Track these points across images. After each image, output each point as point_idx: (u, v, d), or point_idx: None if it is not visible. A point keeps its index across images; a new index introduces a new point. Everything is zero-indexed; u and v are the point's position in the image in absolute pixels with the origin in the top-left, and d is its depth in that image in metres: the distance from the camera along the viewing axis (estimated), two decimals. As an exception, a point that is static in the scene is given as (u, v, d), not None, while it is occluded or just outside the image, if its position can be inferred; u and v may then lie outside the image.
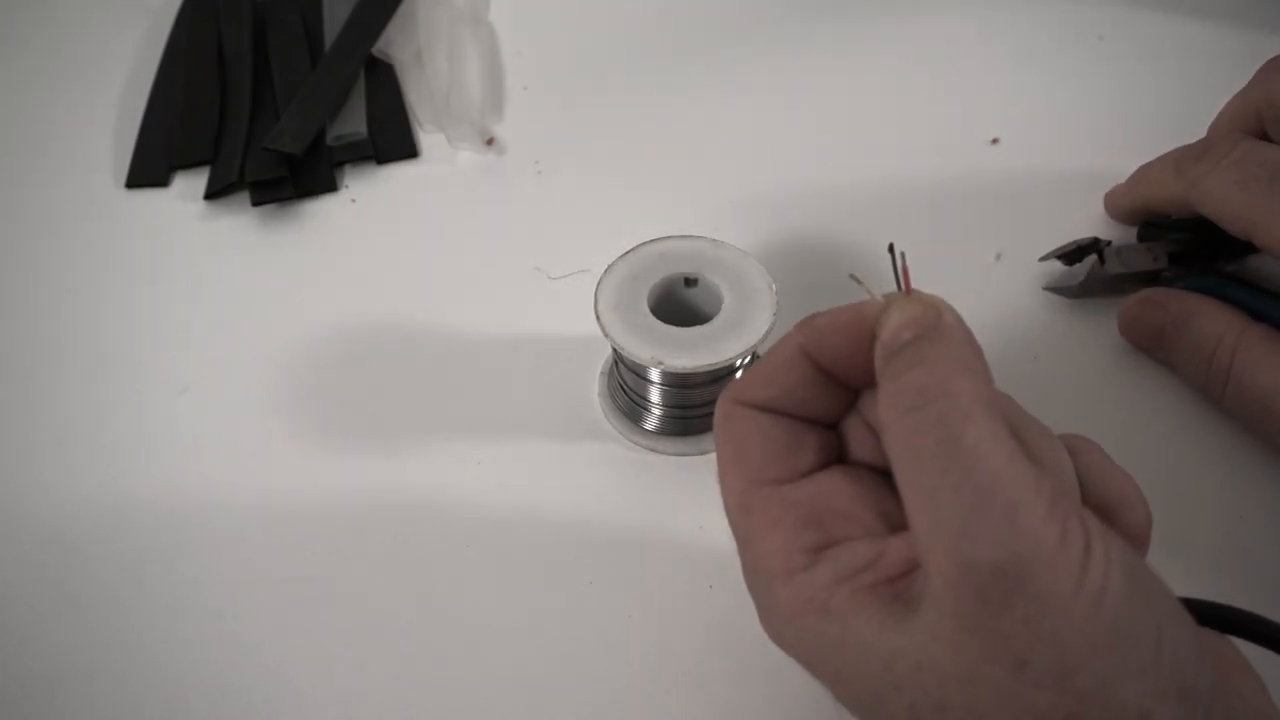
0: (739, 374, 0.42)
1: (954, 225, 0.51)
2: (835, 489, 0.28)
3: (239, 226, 0.52)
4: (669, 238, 0.42)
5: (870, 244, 0.50)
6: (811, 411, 0.29)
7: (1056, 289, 0.47)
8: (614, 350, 0.41)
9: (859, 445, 0.29)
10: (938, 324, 0.26)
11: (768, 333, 0.39)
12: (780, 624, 0.27)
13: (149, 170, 0.55)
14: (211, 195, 0.53)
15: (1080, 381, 0.44)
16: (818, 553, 0.26)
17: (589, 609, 0.38)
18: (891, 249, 0.30)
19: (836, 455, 0.29)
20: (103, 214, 0.53)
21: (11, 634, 0.38)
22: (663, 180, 0.54)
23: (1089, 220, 0.50)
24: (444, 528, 0.40)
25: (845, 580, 0.25)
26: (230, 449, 0.43)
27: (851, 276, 0.28)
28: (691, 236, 0.42)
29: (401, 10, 0.61)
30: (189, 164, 0.55)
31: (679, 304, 0.42)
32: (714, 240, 0.42)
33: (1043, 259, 0.47)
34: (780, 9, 0.64)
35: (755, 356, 0.43)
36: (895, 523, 0.27)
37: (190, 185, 0.54)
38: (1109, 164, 0.54)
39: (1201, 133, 0.45)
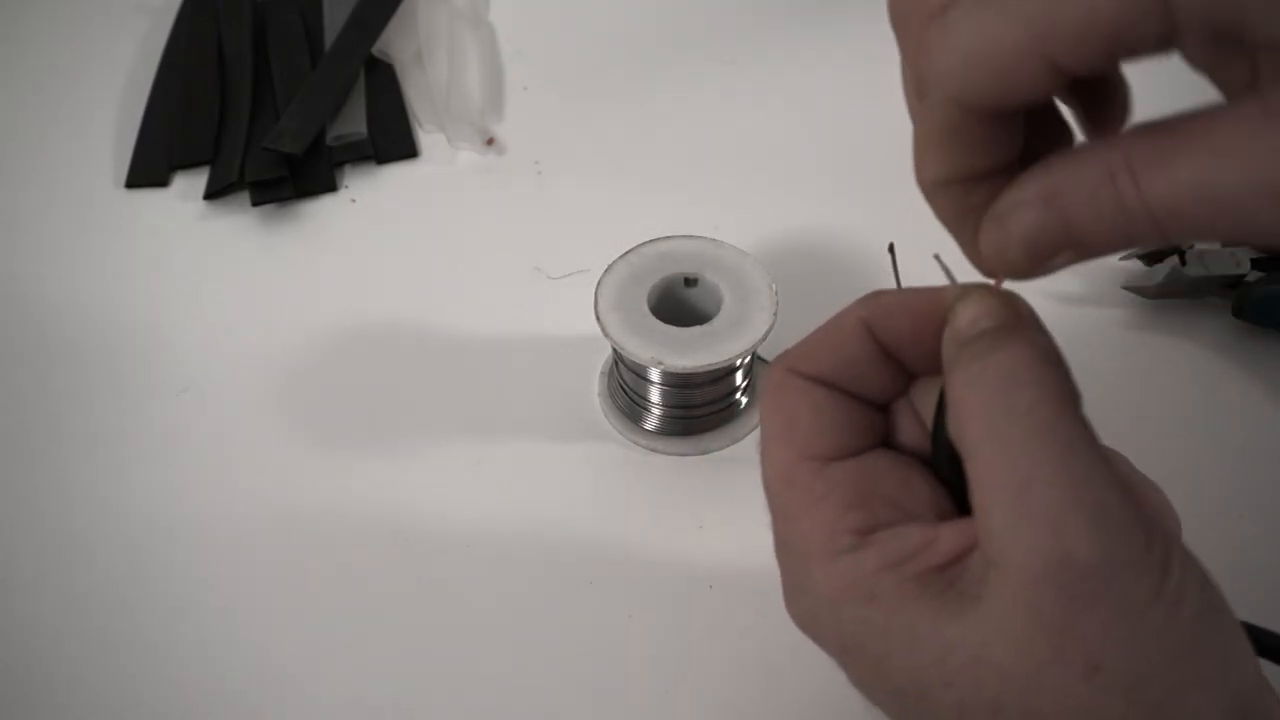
0: (739, 374, 0.42)
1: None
2: (883, 472, 0.27)
3: (239, 226, 0.52)
4: (669, 238, 0.42)
5: (871, 243, 0.50)
6: (864, 389, 0.28)
7: (1135, 288, 0.46)
8: (614, 350, 0.41)
9: (905, 431, 0.28)
10: (1018, 317, 0.25)
11: (767, 333, 0.39)
12: (816, 606, 0.26)
13: (149, 170, 0.55)
14: (211, 195, 0.53)
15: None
16: (863, 536, 0.25)
17: (589, 609, 0.38)
18: (891, 249, 0.30)
19: (883, 438, 0.29)
20: (103, 214, 0.53)
21: (13, 633, 0.38)
22: (662, 180, 0.54)
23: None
24: (444, 527, 0.40)
25: (894, 567, 0.24)
26: (230, 448, 0.43)
27: (935, 257, 0.28)
28: (691, 236, 0.42)
29: (401, 10, 0.61)
30: (189, 164, 0.55)
31: (679, 304, 0.42)
32: (714, 240, 0.42)
33: (1123, 258, 0.47)
34: (780, 10, 0.64)
35: (756, 357, 0.43)
36: (943, 511, 0.26)
37: (190, 185, 0.54)
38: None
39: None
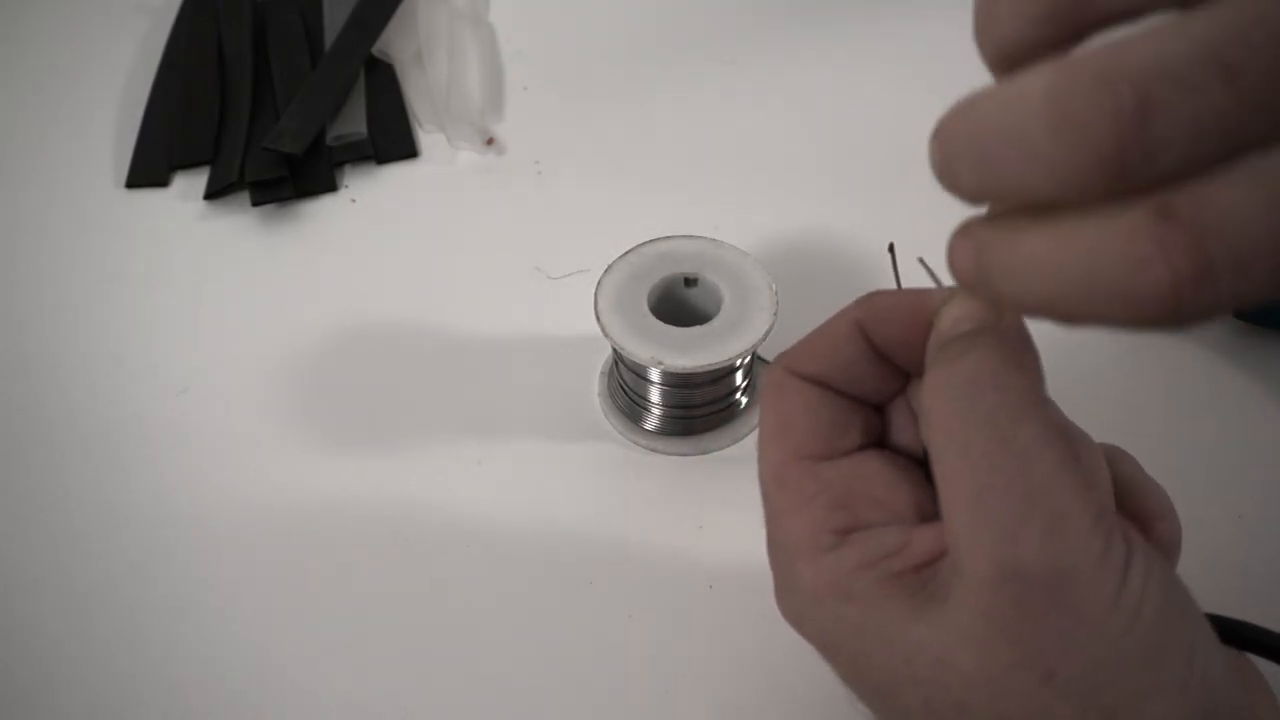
0: (739, 374, 0.42)
1: (954, 225, 0.51)
2: (872, 472, 0.27)
3: (239, 226, 0.52)
4: (669, 238, 0.42)
5: (871, 243, 0.50)
6: (860, 390, 0.28)
7: None
8: (614, 350, 0.41)
9: (901, 431, 0.29)
10: (998, 321, 0.25)
11: (767, 332, 0.39)
12: (800, 603, 0.26)
13: (149, 170, 0.55)
14: (211, 195, 0.53)
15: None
16: (844, 535, 0.26)
17: (589, 609, 0.38)
18: (891, 249, 0.30)
19: (878, 438, 0.29)
20: (103, 214, 0.53)
21: (12, 633, 0.38)
22: (662, 180, 0.54)
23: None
24: (444, 527, 0.40)
25: (870, 566, 0.25)
26: (230, 449, 0.43)
27: (920, 261, 0.28)
28: (691, 236, 0.42)
29: (401, 10, 0.61)
30: (189, 164, 0.55)
31: (679, 304, 0.42)
32: (714, 240, 0.42)
33: None
34: (780, 10, 0.64)
35: (756, 357, 0.43)
36: (927, 513, 0.27)
37: (190, 185, 0.54)
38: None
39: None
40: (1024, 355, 0.25)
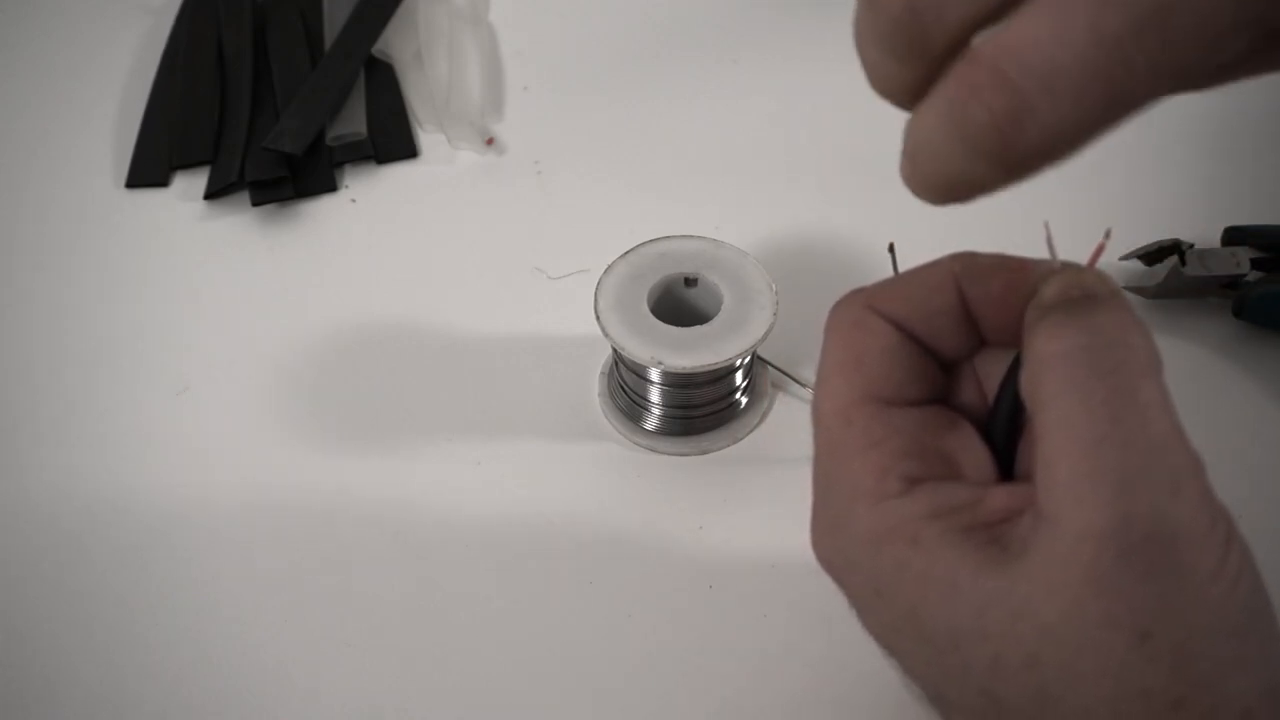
0: (739, 374, 0.42)
1: (954, 223, 0.51)
2: (942, 428, 0.27)
3: (239, 226, 0.52)
4: (669, 238, 0.42)
5: (871, 243, 0.49)
6: (937, 343, 0.28)
7: (1135, 289, 0.46)
8: (614, 350, 0.41)
9: (965, 394, 0.28)
10: (1111, 293, 0.25)
11: (767, 332, 0.39)
12: (852, 547, 0.26)
13: (149, 170, 0.55)
14: (211, 195, 0.53)
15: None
16: (913, 484, 0.25)
17: (589, 609, 0.38)
18: (891, 248, 0.30)
19: (939, 397, 0.28)
20: (103, 214, 0.53)
21: (12, 632, 0.38)
22: (662, 180, 0.54)
23: (1091, 218, 0.50)
24: (444, 527, 0.40)
25: (940, 516, 0.24)
26: (230, 448, 0.43)
27: (1045, 226, 0.27)
28: (691, 236, 0.42)
29: (401, 10, 0.61)
30: (189, 164, 0.55)
31: (679, 304, 0.42)
32: (714, 240, 0.42)
33: (1123, 258, 0.47)
34: (781, 10, 0.64)
35: (756, 356, 0.43)
36: (993, 476, 0.26)
37: (190, 185, 0.54)
38: (1112, 160, 0.54)
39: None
40: (1140, 322, 0.24)
